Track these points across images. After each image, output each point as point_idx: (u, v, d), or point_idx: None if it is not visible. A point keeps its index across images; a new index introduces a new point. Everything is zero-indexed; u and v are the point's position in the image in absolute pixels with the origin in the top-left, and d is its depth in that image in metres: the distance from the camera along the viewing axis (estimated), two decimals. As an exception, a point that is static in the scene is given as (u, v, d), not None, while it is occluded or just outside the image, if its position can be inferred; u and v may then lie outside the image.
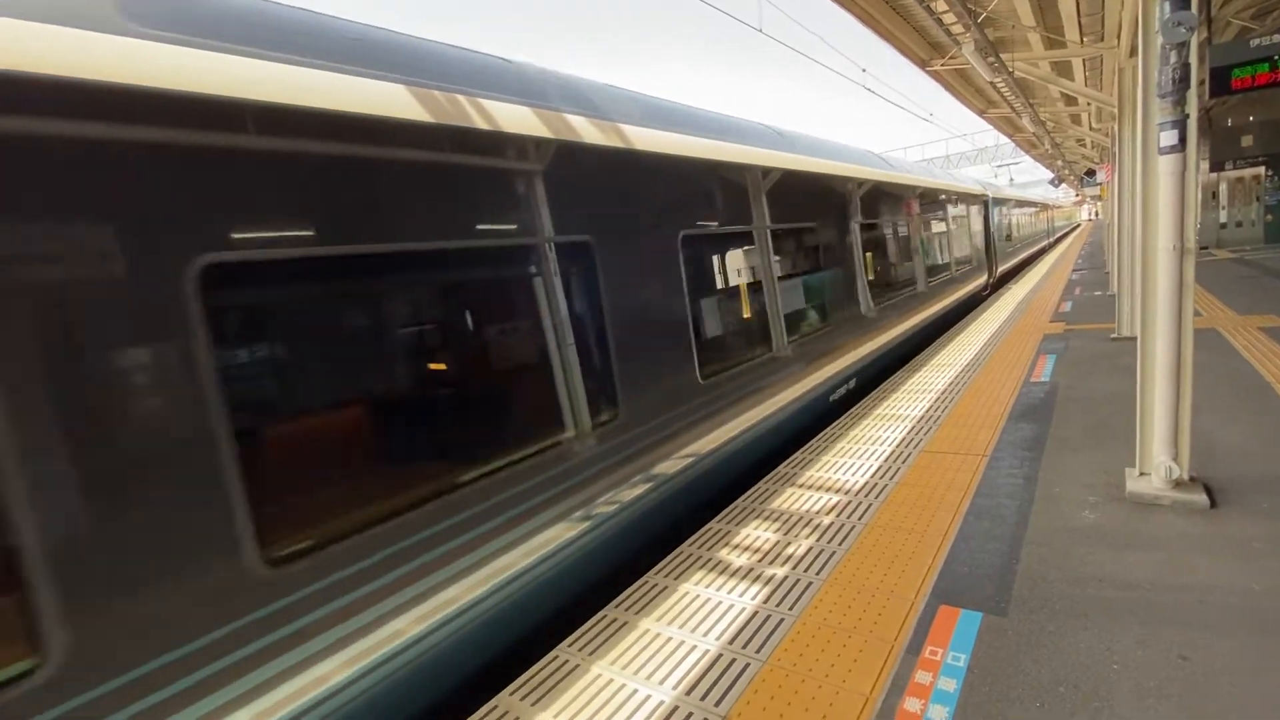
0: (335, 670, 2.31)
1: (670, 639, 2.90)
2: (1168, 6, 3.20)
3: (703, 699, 2.49)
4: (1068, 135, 18.83)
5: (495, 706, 2.58)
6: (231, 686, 2.04)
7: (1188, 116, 3.34)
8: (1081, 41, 8.12)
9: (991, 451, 4.76)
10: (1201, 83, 4.74)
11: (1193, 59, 3.29)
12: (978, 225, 14.02)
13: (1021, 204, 23.29)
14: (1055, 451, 4.63)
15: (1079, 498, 3.85)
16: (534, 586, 3.20)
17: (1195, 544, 3.19)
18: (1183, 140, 3.34)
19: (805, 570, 3.37)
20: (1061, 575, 3.06)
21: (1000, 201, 17.45)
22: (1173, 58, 3.25)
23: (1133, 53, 7.41)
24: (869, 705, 2.37)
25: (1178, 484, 3.65)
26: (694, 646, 2.82)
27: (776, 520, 4.01)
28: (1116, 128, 9.00)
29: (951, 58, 8.93)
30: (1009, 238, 19.97)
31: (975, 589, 3.03)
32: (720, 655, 2.74)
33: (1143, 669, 2.39)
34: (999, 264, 17.12)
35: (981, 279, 14.32)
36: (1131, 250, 7.93)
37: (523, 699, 2.60)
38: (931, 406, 6.10)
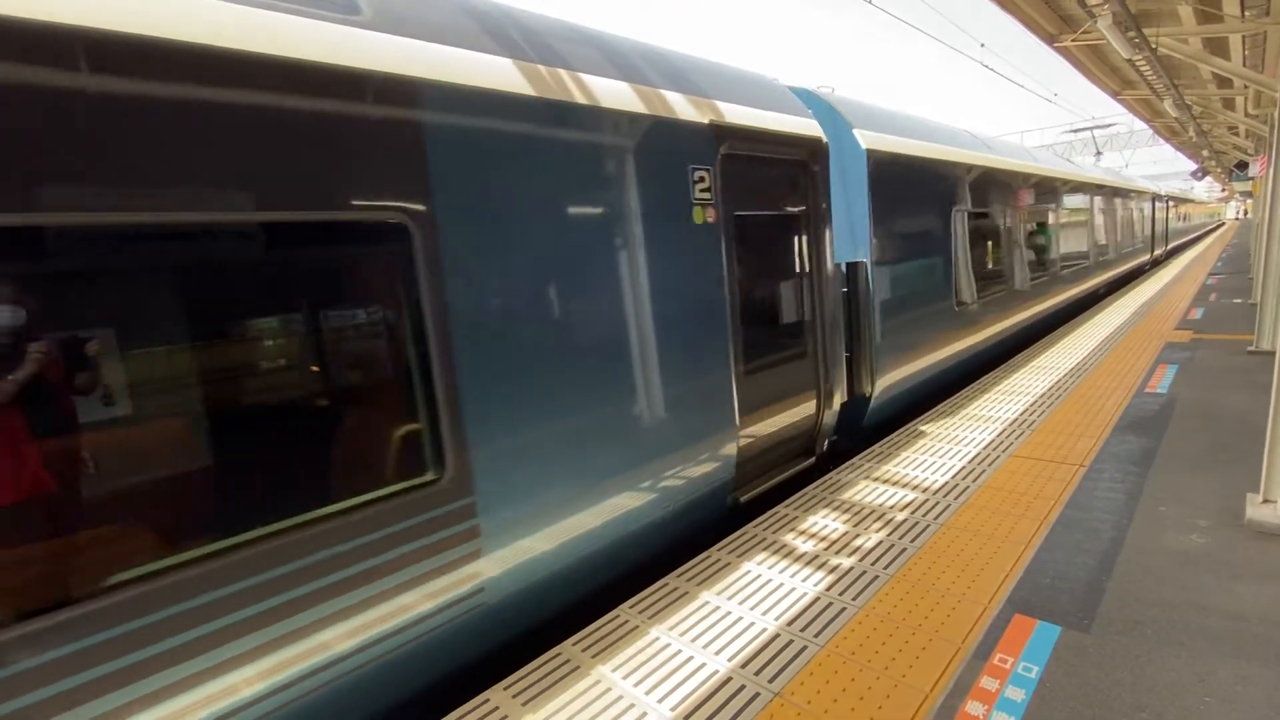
0: None
1: (729, 613, 2.95)
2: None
3: (757, 674, 2.53)
4: (1217, 121, 16.77)
5: (558, 654, 2.72)
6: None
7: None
8: (1242, 15, 7.15)
9: (1091, 462, 4.44)
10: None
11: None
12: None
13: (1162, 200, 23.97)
14: (1166, 468, 4.26)
15: (1187, 520, 3.55)
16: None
17: (1322, 582, 2.87)
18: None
19: (873, 563, 3.31)
20: (1157, 598, 2.85)
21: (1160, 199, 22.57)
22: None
23: (1308, 28, 6.50)
24: (928, 702, 2.33)
25: (1309, 515, 3.29)
26: (752, 623, 2.86)
27: (846, 511, 3.94)
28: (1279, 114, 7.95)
29: (1084, 32, 8.14)
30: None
31: (1056, 601, 2.87)
32: (778, 635, 2.76)
33: (1239, 706, 2.21)
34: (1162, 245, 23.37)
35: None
36: (1284, 254, 7.05)
37: (584, 650, 2.73)
38: (1027, 410, 5.74)
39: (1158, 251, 22.79)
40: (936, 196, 6.79)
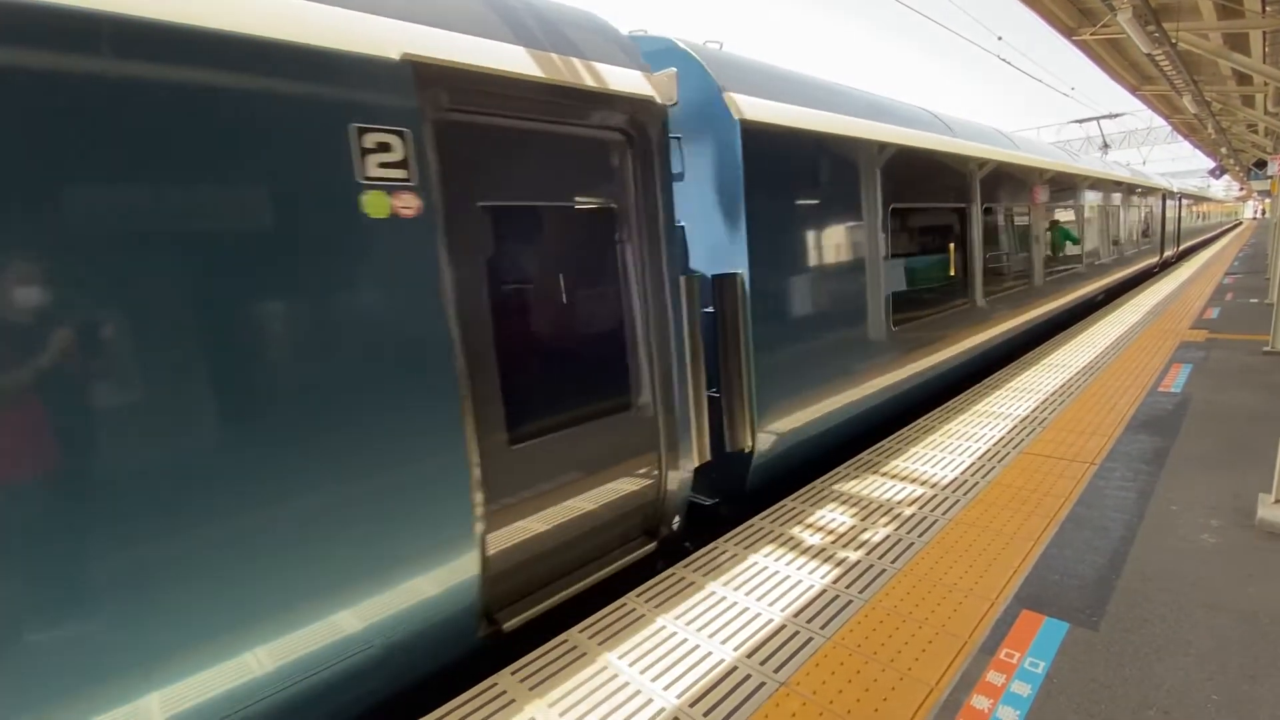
0: None
1: (735, 603, 2.96)
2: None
3: (763, 664, 2.54)
4: (1236, 119, 16.52)
5: (565, 640, 2.75)
6: None
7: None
8: (1263, 11, 7.03)
9: (1102, 460, 4.41)
10: None
11: None
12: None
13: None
14: (1178, 468, 4.23)
15: (1199, 519, 3.53)
16: None
17: (1335, 584, 2.85)
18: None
19: (880, 557, 3.31)
20: (1167, 597, 2.84)
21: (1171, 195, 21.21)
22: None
23: (1333, 23, 6.39)
24: (933, 695, 2.33)
25: (1323, 517, 3.25)
26: (758, 614, 2.87)
27: (854, 505, 3.94)
28: (1301, 111, 7.83)
29: (1104, 26, 8.03)
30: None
31: (1065, 598, 2.87)
32: (784, 626, 2.77)
33: (1246, 706, 2.20)
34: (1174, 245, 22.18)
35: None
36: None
37: (590, 637, 2.76)
38: (1038, 407, 5.71)
39: (1168, 253, 21.31)
40: (860, 188, 5.22)
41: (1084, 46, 9.23)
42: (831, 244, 4.93)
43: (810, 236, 4.70)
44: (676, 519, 3.77)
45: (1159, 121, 23.97)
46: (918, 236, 6.18)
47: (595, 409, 3.29)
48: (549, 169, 3.12)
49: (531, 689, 2.48)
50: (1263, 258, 19.51)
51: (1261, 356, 7.11)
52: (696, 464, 3.83)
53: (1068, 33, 8.75)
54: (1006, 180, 7.99)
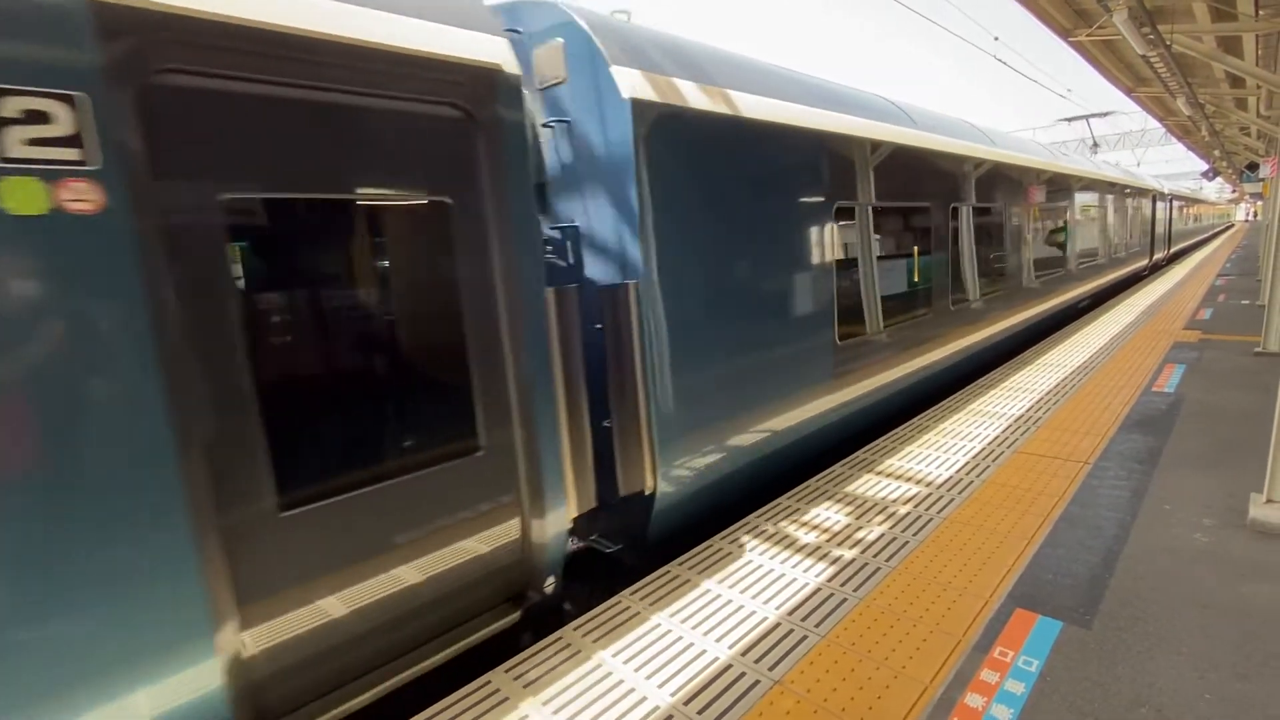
0: None
1: (730, 601, 2.95)
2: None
3: (757, 661, 2.54)
4: (1229, 121, 16.61)
5: (559, 638, 2.74)
6: None
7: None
8: (1256, 14, 7.06)
9: (1096, 460, 4.43)
10: None
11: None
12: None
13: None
14: (1171, 467, 4.25)
15: (1192, 519, 3.54)
16: None
17: (1326, 582, 2.87)
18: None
19: (874, 556, 3.31)
20: (1160, 596, 2.85)
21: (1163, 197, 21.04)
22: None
23: (1327, 26, 6.42)
24: (927, 694, 2.33)
25: (1314, 516, 3.27)
26: (753, 612, 2.86)
27: (849, 504, 3.94)
28: (1294, 114, 7.86)
29: (1100, 27, 8.05)
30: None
31: (1058, 597, 2.87)
32: (779, 624, 2.77)
33: (1239, 704, 2.21)
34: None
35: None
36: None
37: (585, 635, 2.75)
38: (1032, 407, 5.72)
39: (1158, 255, 20.86)
40: (797, 183, 4.52)
41: (1080, 48, 9.25)
42: (757, 247, 4.21)
43: (728, 239, 4.00)
44: (551, 580, 3.07)
45: (1153, 124, 24.10)
46: (868, 239, 5.44)
47: (418, 457, 2.63)
48: (345, 151, 2.40)
49: (525, 686, 2.47)
50: (1255, 260, 19.64)
51: (1253, 357, 7.15)
52: (576, 512, 3.20)
53: (1064, 34, 8.76)
54: (979, 178, 7.34)
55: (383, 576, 2.50)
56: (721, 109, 3.91)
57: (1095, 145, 31.28)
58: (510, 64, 2.77)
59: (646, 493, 3.57)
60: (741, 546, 3.47)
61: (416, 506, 2.59)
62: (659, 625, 2.80)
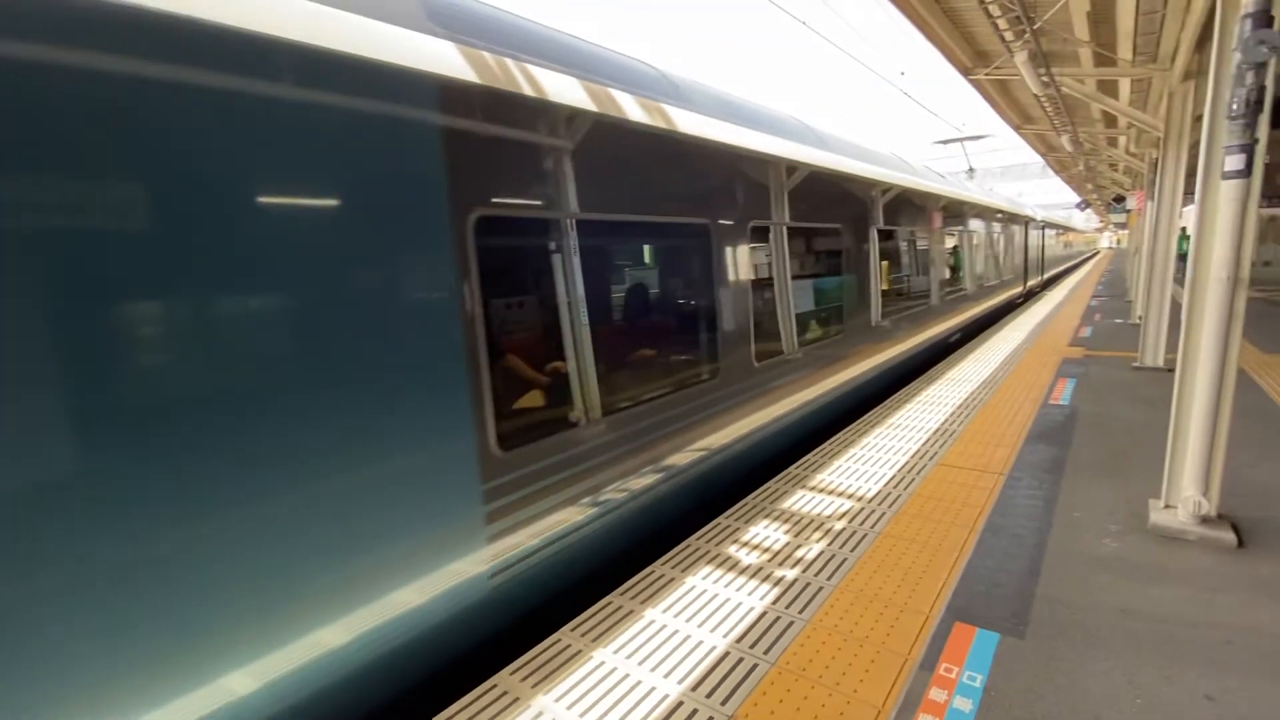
0: None
1: (676, 631, 2.83)
2: (1249, 24, 3.05)
3: (709, 696, 2.42)
4: (1102, 158, 18.51)
5: (495, 685, 2.51)
6: None
7: (1257, 141, 3.20)
8: (1133, 61, 7.91)
9: (1009, 470, 4.65)
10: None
11: (1268, 82, 3.15)
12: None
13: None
14: (1075, 475, 4.52)
15: (1100, 525, 3.75)
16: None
17: (1223, 582, 3.09)
18: (1249, 166, 3.21)
19: (816, 574, 3.29)
20: (1082, 602, 2.97)
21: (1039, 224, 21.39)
22: (1249, 78, 3.11)
23: (1187, 76, 7.21)
24: (881, 718, 2.29)
25: (1205, 520, 3.55)
26: (700, 641, 2.75)
27: (787, 521, 3.93)
28: (1157, 153, 8.79)
29: (997, 67, 8.73)
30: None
31: (992, 609, 2.94)
32: (728, 653, 2.67)
33: (1167, 706, 2.30)
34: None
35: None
36: (1163, 279, 7.77)
37: (523, 680, 2.53)
38: (948, 420, 5.99)
39: (1032, 282, 20.91)
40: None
41: (977, 85, 9.98)
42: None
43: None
44: None
45: (1034, 158, 26.48)
46: (601, 268, 4.04)
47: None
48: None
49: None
50: (1122, 283, 21.85)
51: (1133, 371, 7.85)
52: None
53: (964, 71, 9.44)
54: (811, 191, 5.75)
55: None
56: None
57: (971, 169, 29.90)
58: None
59: None
60: (683, 572, 3.36)
61: None
62: (603, 663, 2.63)
